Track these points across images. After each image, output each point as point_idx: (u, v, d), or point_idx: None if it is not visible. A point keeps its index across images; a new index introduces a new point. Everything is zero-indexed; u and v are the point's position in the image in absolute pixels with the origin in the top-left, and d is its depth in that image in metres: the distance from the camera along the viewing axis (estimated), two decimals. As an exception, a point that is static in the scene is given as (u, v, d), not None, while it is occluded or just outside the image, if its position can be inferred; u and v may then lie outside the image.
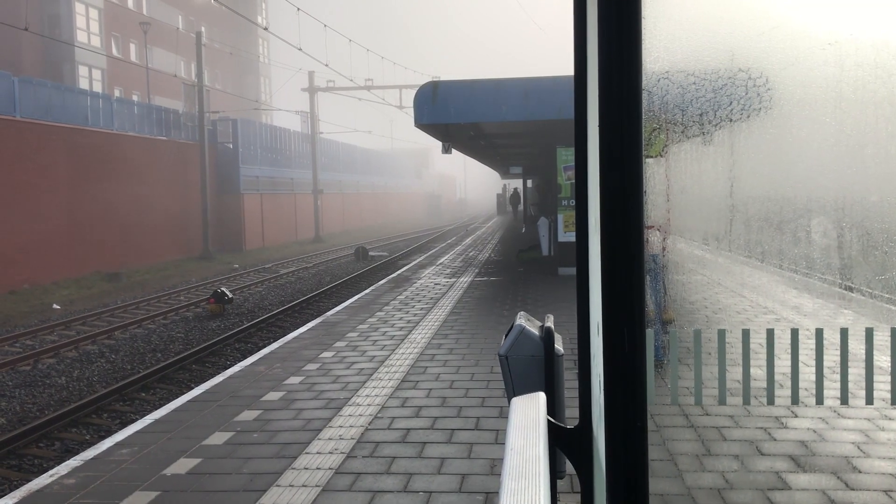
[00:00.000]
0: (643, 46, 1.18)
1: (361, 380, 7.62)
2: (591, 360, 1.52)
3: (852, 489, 4.44)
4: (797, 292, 9.56)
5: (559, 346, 2.27)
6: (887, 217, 2.91)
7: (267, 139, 42.66)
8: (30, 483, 5.21)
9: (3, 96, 23.39)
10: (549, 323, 2.33)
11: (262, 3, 65.49)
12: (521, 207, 47.30)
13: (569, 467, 1.90)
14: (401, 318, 11.35)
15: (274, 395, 7.14)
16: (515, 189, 51.21)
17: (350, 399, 6.91)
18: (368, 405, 6.69)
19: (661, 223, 5.94)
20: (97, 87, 41.99)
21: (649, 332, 5.15)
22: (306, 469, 5.16)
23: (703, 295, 10.41)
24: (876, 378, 5.58)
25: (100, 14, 44.19)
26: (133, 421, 8.80)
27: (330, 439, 5.78)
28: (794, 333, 5.48)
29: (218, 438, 5.91)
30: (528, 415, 1.65)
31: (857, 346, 5.47)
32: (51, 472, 5.36)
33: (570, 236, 15.66)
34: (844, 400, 5.53)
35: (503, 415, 6.26)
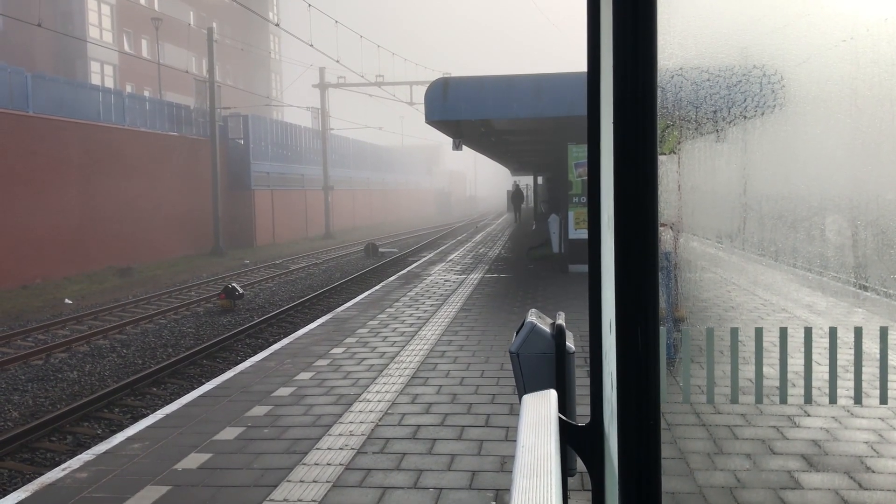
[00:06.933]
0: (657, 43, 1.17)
1: (372, 376, 7.63)
2: (602, 358, 1.51)
3: (865, 489, 4.41)
4: (810, 291, 9.50)
5: (570, 343, 2.27)
6: (902, 215, 2.89)
7: (278, 135, 42.74)
8: (42, 476, 5.24)
9: (16, 92, 23.55)
10: (561, 320, 2.33)
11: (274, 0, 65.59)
12: (524, 206, 43.50)
13: (579, 465, 1.90)
14: (411, 315, 11.36)
15: (284, 391, 7.16)
16: (518, 186, 46.52)
17: (360, 395, 6.92)
18: (379, 401, 6.69)
19: (673, 221, 5.92)
20: (109, 83, 42.18)
21: (661, 331, 5.13)
22: (317, 465, 5.17)
23: (716, 293, 10.36)
24: (890, 377, 5.55)
25: (112, 10, 44.41)
26: (144, 415, 8.85)
27: (340, 435, 5.79)
28: (808, 332, 5.45)
29: (229, 433, 5.94)
30: (540, 412, 1.65)
31: (870, 345, 5.43)
32: (63, 465, 5.40)
33: (581, 233, 15.61)
34: (858, 399, 5.50)
35: (513, 412, 6.25)
